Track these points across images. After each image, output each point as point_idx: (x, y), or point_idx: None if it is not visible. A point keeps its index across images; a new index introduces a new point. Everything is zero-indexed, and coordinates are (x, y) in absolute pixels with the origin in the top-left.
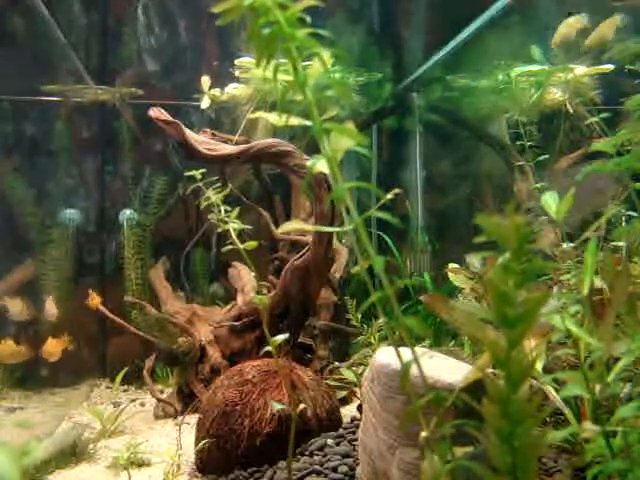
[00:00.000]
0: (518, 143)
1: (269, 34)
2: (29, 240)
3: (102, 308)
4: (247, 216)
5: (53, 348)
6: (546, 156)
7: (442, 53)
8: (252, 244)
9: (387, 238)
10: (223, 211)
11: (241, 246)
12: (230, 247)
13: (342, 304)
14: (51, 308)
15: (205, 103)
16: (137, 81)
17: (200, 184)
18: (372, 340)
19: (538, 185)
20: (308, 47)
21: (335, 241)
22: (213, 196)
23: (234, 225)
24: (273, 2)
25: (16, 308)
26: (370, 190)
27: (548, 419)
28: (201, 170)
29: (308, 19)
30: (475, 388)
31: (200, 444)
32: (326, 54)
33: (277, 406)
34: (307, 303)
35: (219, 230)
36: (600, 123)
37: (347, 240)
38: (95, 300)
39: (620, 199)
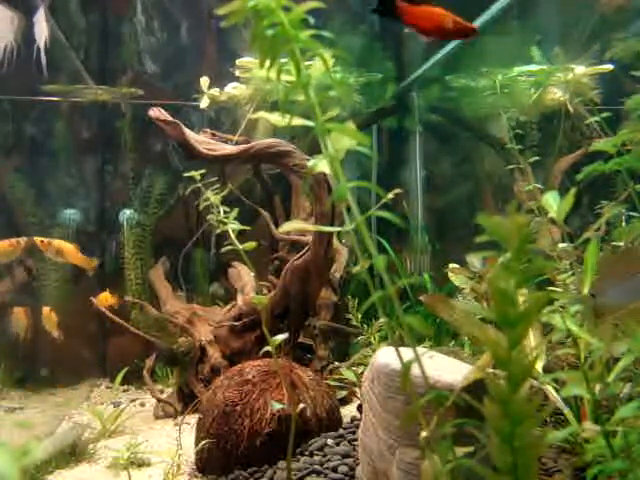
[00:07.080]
0: (515, 145)
1: (273, 35)
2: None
3: (102, 309)
4: (249, 216)
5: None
6: (537, 158)
7: (442, 53)
8: (251, 245)
9: (383, 241)
10: (222, 212)
11: (240, 247)
12: (229, 247)
13: (342, 304)
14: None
15: (204, 103)
16: (137, 81)
17: (199, 184)
18: (372, 340)
19: (531, 186)
20: (311, 48)
21: (335, 241)
22: (212, 197)
23: (233, 226)
24: (277, 4)
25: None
26: (370, 190)
27: (548, 419)
28: (201, 171)
29: (311, 20)
30: (475, 388)
31: (200, 444)
32: (328, 55)
33: (276, 405)
34: (307, 303)
35: (218, 231)
36: (600, 123)
37: (347, 240)
38: (107, 300)
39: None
